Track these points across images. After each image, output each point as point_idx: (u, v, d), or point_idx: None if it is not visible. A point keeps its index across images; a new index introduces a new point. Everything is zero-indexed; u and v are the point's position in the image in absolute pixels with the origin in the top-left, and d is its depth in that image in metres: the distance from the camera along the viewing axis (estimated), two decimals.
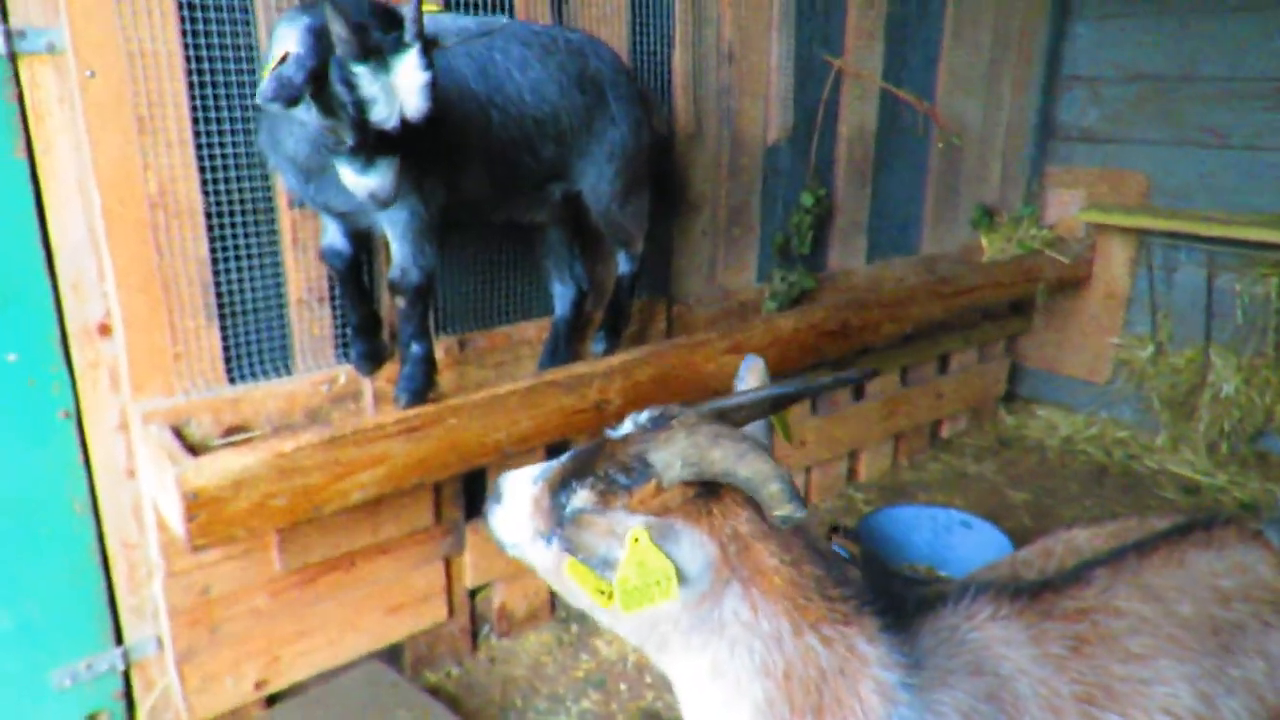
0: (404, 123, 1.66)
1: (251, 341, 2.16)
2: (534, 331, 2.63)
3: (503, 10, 2.36)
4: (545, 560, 1.21)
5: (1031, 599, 1.30)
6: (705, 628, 1.11)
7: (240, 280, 2.11)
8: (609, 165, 2.36)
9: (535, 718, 2.45)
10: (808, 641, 1.11)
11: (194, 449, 1.98)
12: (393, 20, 1.69)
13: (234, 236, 2.08)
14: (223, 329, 2.10)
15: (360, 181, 1.71)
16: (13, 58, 1.80)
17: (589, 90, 2.28)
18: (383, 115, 1.63)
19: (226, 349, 2.12)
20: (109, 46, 1.82)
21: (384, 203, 1.75)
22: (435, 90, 1.67)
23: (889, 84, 3.48)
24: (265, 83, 1.59)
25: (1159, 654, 1.27)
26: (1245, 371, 3.73)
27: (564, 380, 2.37)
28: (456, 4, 2.28)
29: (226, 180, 2.03)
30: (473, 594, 2.68)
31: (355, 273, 2.16)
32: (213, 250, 2.05)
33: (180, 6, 1.89)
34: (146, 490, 2.06)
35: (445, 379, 2.41)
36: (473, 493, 2.58)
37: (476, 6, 2.31)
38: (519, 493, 1.23)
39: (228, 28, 1.97)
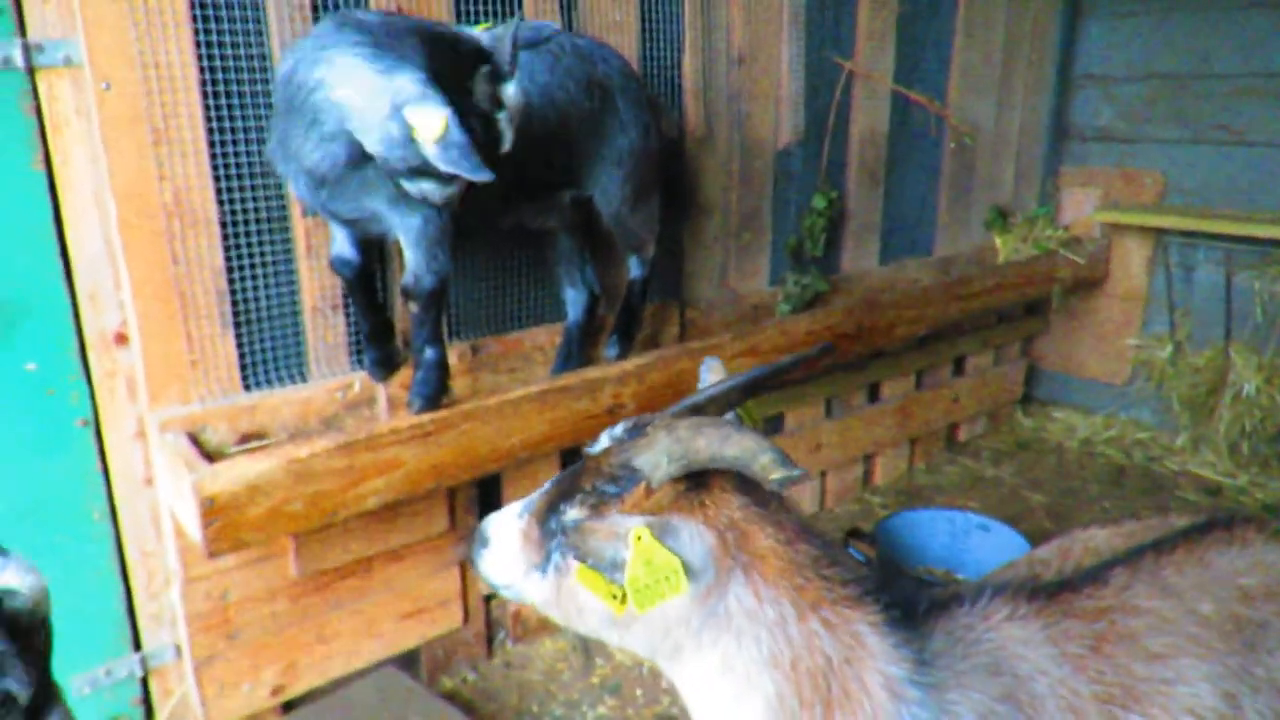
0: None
1: (267, 349, 2.18)
2: (547, 337, 2.64)
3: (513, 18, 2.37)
4: (543, 592, 1.19)
5: (1049, 599, 1.28)
6: (714, 623, 1.11)
7: (255, 288, 2.13)
8: (618, 170, 2.37)
9: None
10: (811, 626, 1.10)
11: (210, 456, 2.00)
12: (459, 50, 1.76)
13: (249, 245, 2.10)
14: (238, 337, 2.12)
15: (442, 192, 1.79)
16: (31, 71, 1.83)
17: (597, 95, 2.28)
18: (508, 146, 1.78)
19: (242, 357, 2.13)
20: (124, 59, 1.84)
21: (452, 205, 1.86)
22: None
23: (900, 85, 3.47)
24: (443, 153, 1.61)
25: (1180, 653, 1.25)
26: (1266, 370, 3.69)
27: (577, 385, 2.38)
28: (467, 12, 2.30)
29: (241, 190, 2.05)
30: (488, 599, 2.68)
31: (365, 281, 2.17)
32: (228, 259, 2.07)
33: (194, 19, 1.91)
34: (164, 498, 2.08)
35: (459, 385, 2.42)
36: (487, 498, 2.59)
37: (488, 14, 2.33)
38: (505, 531, 1.23)
39: (241, 39, 1.99)
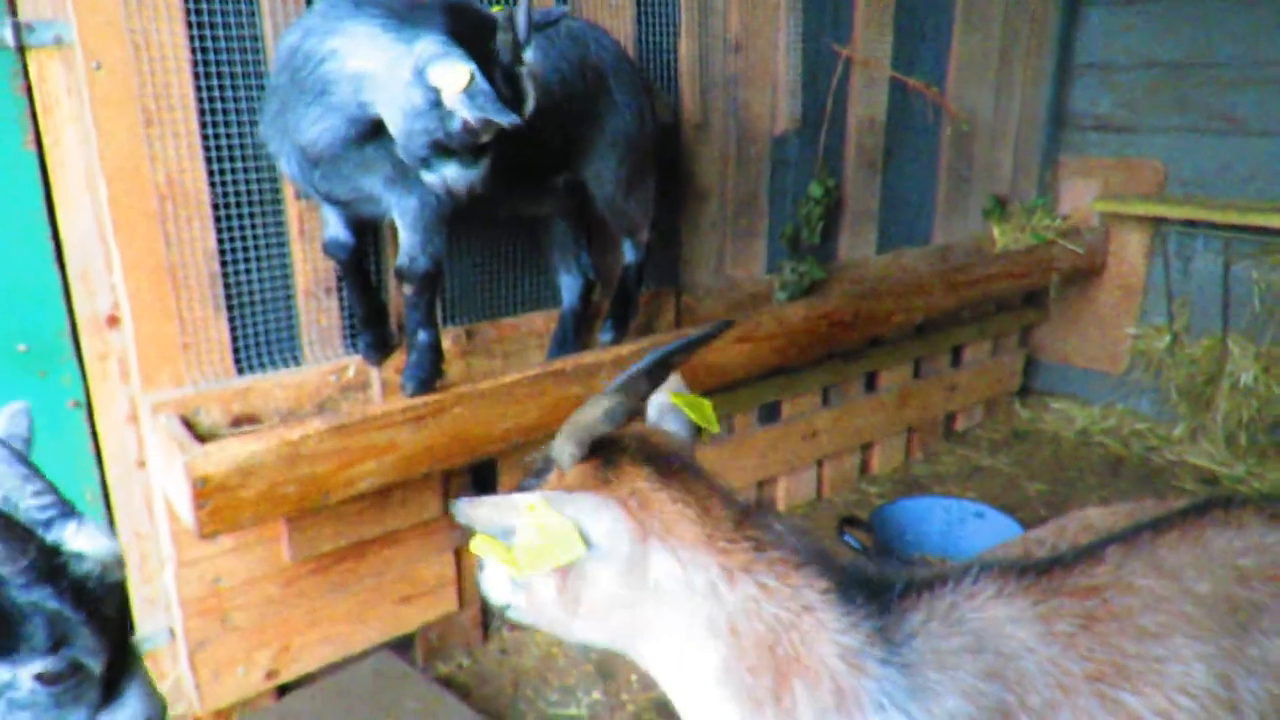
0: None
1: (259, 332, 2.17)
2: (541, 322, 2.63)
3: (509, 0, 2.36)
4: (518, 599, 1.19)
5: (1040, 576, 1.26)
6: (647, 598, 1.11)
7: (248, 271, 2.12)
8: (612, 153, 2.36)
9: (546, 709, 2.44)
10: (745, 590, 1.09)
11: (203, 439, 1.99)
12: (476, 20, 1.74)
13: (241, 228, 2.09)
14: (231, 320, 2.11)
15: (464, 176, 1.75)
16: (21, 51, 1.82)
17: (591, 78, 2.27)
18: (530, 109, 1.73)
19: (235, 340, 2.13)
20: (115, 39, 1.83)
21: (477, 195, 1.81)
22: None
23: (899, 73, 3.46)
24: (469, 102, 1.61)
25: (1174, 632, 1.23)
26: (1264, 360, 3.68)
27: (572, 370, 2.37)
28: None
29: (233, 172, 2.05)
30: None
31: (358, 264, 2.16)
32: (220, 241, 2.06)
33: None
34: (156, 480, 2.08)
35: (453, 369, 2.41)
36: (483, 484, 2.59)
37: None
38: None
39: (233, 20, 1.98)
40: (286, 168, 1.97)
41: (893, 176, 3.62)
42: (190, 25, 1.91)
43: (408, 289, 2.08)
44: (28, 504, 1.05)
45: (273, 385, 2.16)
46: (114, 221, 1.91)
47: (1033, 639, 1.19)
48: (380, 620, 2.43)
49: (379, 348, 2.27)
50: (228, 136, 2.02)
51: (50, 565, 1.01)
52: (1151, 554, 1.31)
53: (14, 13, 1.80)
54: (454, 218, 2.14)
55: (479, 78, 1.61)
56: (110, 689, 1.07)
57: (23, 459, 1.09)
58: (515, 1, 1.72)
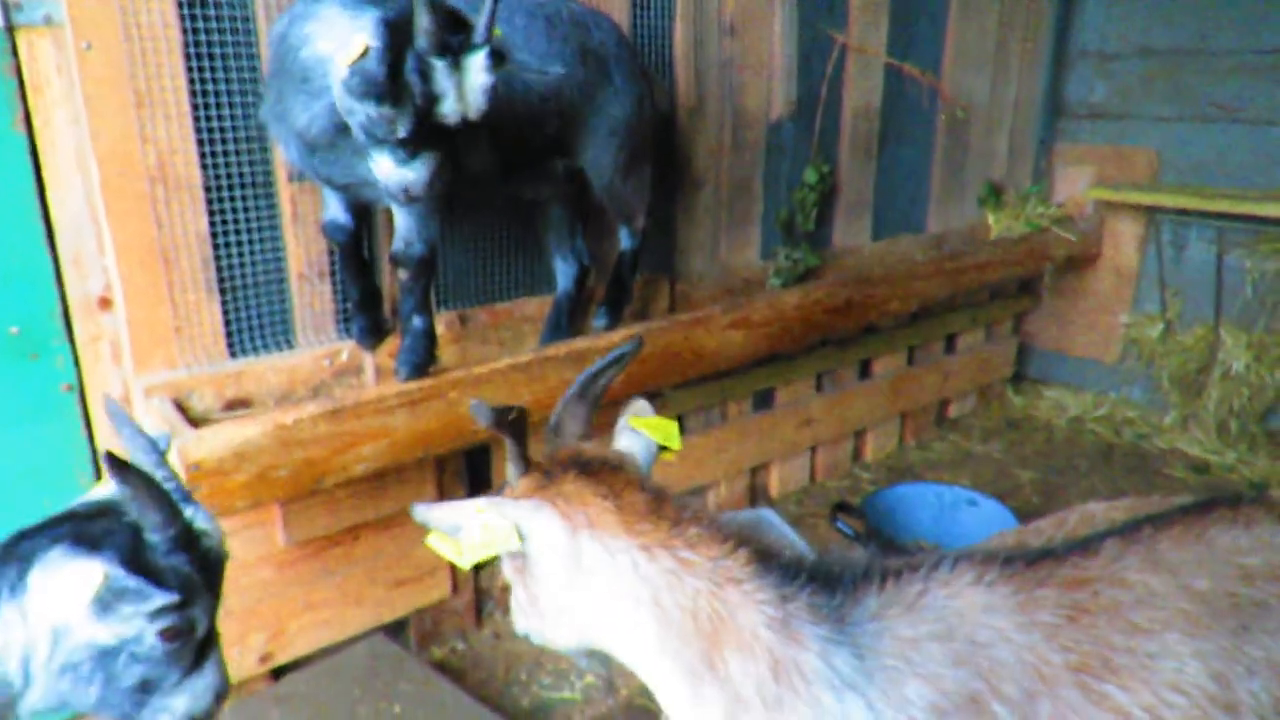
0: (461, 120, 1.68)
1: (252, 316, 2.16)
2: (536, 307, 2.63)
3: None
4: (523, 622, 1.31)
5: (1028, 566, 1.25)
6: (589, 586, 1.20)
7: (240, 255, 2.11)
8: (611, 139, 2.35)
9: (540, 692, 2.46)
10: (663, 564, 1.17)
11: (196, 422, 1.99)
12: (458, 22, 1.70)
13: (233, 211, 2.08)
14: (223, 303, 2.11)
15: (398, 173, 1.70)
16: (10, 30, 1.80)
17: (591, 63, 2.26)
18: (449, 110, 1.66)
19: (228, 323, 2.12)
20: (106, 19, 1.82)
21: (415, 198, 1.75)
22: (496, 92, 1.69)
23: (894, 59, 3.45)
24: (348, 77, 1.59)
25: (1167, 628, 1.21)
26: (1255, 349, 3.70)
27: (565, 355, 2.37)
28: None
29: (225, 154, 2.03)
30: (477, 570, 2.69)
31: (356, 247, 2.15)
32: (212, 224, 2.05)
33: None
34: None
35: (447, 354, 2.41)
36: (476, 469, 2.59)
37: None
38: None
39: (225, 0, 1.96)
40: (287, 153, 1.96)
41: (888, 163, 3.61)
42: (181, 5, 1.90)
43: (402, 274, 2.08)
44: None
45: (266, 369, 2.16)
46: (106, 204, 1.90)
47: (1011, 628, 1.18)
48: (374, 604, 2.44)
49: (373, 332, 2.27)
50: (219, 118, 2.01)
51: (189, 536, 1.21)
52: (1150, 549, 1.29)
53: None
54: (450, 202, 2.13)
55: (374, 57, 1.57)
56: (197, 658, 1.23)
57: (155, 447, 1.30)
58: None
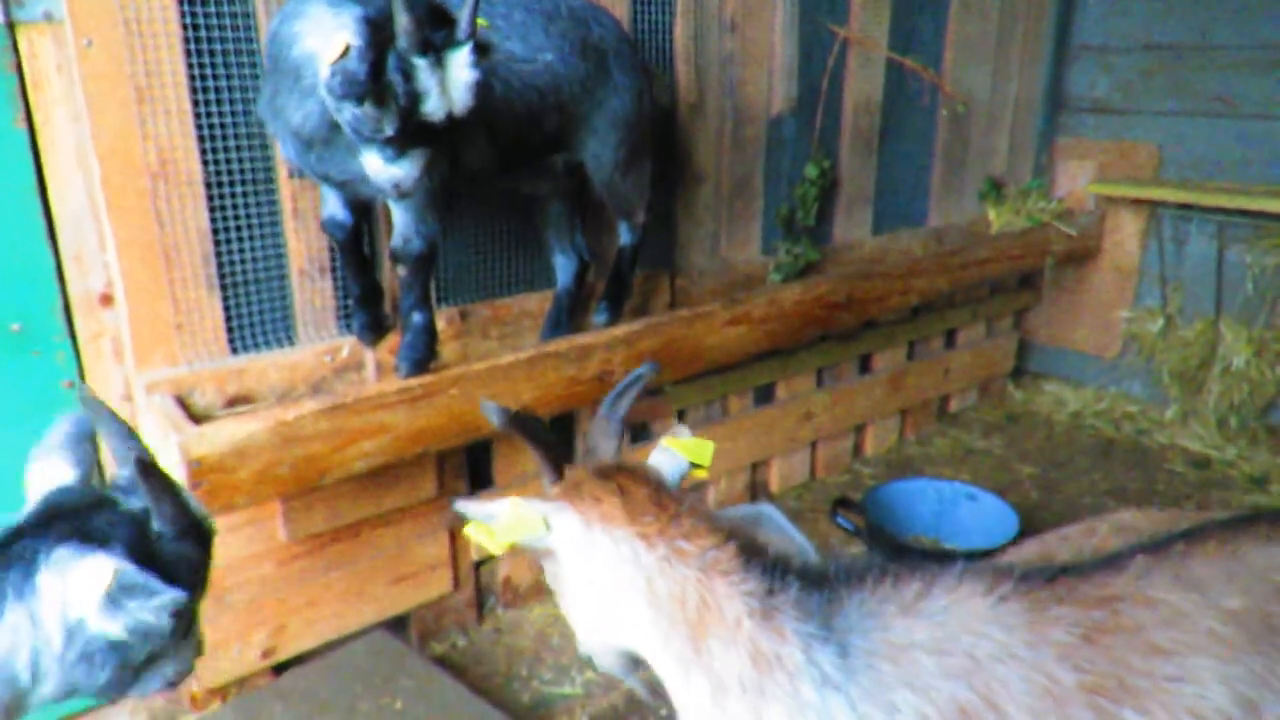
0: (446, 117, 1.68)
1: (253, 312, 2.17)
2: (536, 303, 2.63)
3: None
4: (562, 603, 1.41)
5: (1047, 582, 1.20)
6: (600, 576, 1.27)
7: (241, 251, 2.11)
8: (611, 134, 2.35)
9: (541, 688, 2.46)
10: (659, 551, 1.23)
11: (197, 419, 1.99)
12: (441, 18, 1.69)
13: (234, 207, 2.08)
14: (224, 300, 2.11)
15: (386, 170, 1.71)
16: (11, 27, 1.80)
17: (591, 58, 2.26)
18: (433, 108, 1.65)
19: (229, 320, 2.13)
20: (106, 15, 1.81)
21: (405, 194, 1.76)
22: (481, 89, 1.68)
23: (895, 53, 3.44)
24: (330, 77, 1.60)
25: (1192, 650, 1.15)
26: (1256, 344, 3.70)
27: (566, 351, 2.37)
28: None
29: (226, 150, 2.03)
30: (478, 566, 2.69)
31: (356, 243, 2.15)
32: (213, 221, 2.05)
33: None
34: None
35: (448, 350, 2.41)
36: (477, 464, 2.59)
37: None
38: None
39: None
40: (284, 150, 1.96)
41: (888, 158, 3.61)
42: (181, 1, 1.89)
43: (402, 270, 2.08)
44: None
45: (267, 365, 2.16)
46: (107, 200, 1.90)
47: (1019, 645, 1.15)
48: (375, 600, 2.44)
49: (374, 329, 2.27)
50: (220, 114, 2.01)
51: (195, 523, 1.26)
52: (1180, 566, 1.23)
53: None
54: (450, 197, 2.13)
55: (355, 55, 1.56)
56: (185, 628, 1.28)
57: (134, 435, 1.33)
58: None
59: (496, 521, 1.31)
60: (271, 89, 1.86)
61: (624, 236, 2.62)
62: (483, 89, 1.70)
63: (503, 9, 2.11)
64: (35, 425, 1.97)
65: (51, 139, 1.89)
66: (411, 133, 1.67)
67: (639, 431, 3.00)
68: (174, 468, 1.83)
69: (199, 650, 1.34)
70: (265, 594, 2.24)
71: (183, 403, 2.02)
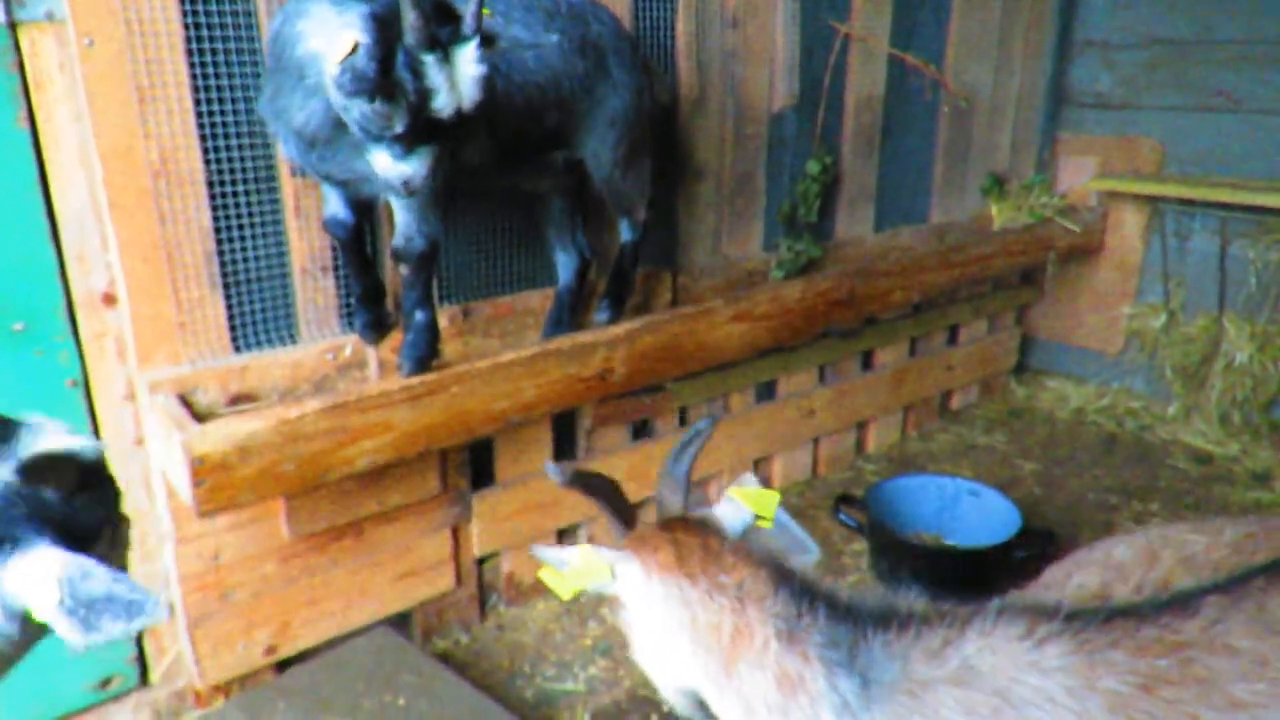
0: (455, 113, 1.68)
1: (256, 311, 2.17)
2: (538, 301, 2.63)
3: None
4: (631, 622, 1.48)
5: (1103, 624, 1.11)
6: (659, 620, 1.35)
7: (244, 250, 2.12)
8: (611, 132, 2.35)
9: (543, 684, 2.47)
10: (702, 588, 1.31)
11: (201, 417, 2.00)
12: (446, 13, 1.69)
13: (236, 206, 2.08)
14: (227, 298, 2.11)
15: (396, 168, 1.70)
16: (13, 26, 1.80)
17: (591, 56, 2.26)
18: (442, 104, 1.65)
19: (231, 318, 2.13)
20: (107, 14, 1.81)
21: (414, 191, 1.75)
22: (489, 83, 1.69)
23: (897, 50, 3.43)
24: (339, 75, 1.59)
25: (1275, 703, 1.05)
26: (1259, 340, 3.69)
27: (568, 349, 2.38)
28: None
29: (228, 149, 2.04)
30: (480, 562, 2.70)
31: (358, 242, 2.16)
32: (215, 219, 2.05)
33: None
34: (155, 458, 2.08)
35: (450, 348, 2.41)
36: (479, 462, 2.60)
37: None
38: None
39: None
40: (286, 150, 1.96)
41: (890, 154, 3.60)
42: (183, 0, 1.90)
43: (404, 269, 2.08)
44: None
45: (270, 364, 2.17)
46: (109, 199, 1.90)
47: (1058, 691, 1.07)
48: (378, 597, 2.45)
49: (376, 327, 2.27)
50: (222, 113, 2.01)
51: (115, 491, 1.22)
52: (1260, 606, 1.11)
53: None
54: (452, 195, 2.13)
55: (363, 53, 1.56)
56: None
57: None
58: None
59: (567, 568, 1.41)
60: (273, 88, 1.86)
61: (625, 234, 2.62)
62: (489, 83, 1.70)
63: (501, 6, 2.11)
64: None
65: (53, 138, 1.89)
66: (420, 129, 1.67)
67: (640, 428, 3.00)
68: (177, 466, 1.84)
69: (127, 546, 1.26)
70: (268, 591, 2.25)
71: (186, 401, 2.02)
